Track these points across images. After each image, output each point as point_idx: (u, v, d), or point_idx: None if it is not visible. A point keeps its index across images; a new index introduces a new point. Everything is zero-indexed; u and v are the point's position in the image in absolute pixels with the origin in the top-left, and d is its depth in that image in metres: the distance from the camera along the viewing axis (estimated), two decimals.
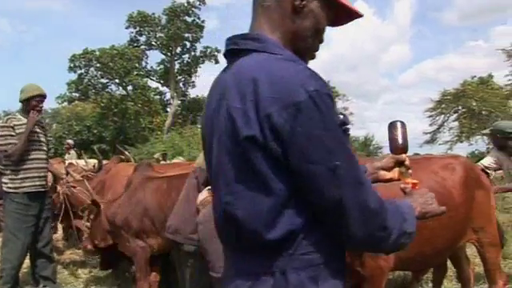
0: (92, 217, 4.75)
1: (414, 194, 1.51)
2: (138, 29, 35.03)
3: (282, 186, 1.20)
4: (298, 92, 1.14)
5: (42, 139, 5.13)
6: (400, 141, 1.65)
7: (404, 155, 1.66)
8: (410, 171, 1.66)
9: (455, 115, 31.68)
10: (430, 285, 5.12)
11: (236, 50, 1.34)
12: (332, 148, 1.17)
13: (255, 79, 1.18)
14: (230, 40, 1.37)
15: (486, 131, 5.45)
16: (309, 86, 1.15)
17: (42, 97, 5.10)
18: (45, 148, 5.20)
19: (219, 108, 1.28)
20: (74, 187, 5.67)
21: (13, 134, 4.86)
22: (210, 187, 2.63)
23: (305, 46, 1.39)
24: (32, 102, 4.97)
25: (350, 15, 1.46)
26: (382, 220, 1.25)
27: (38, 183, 5.07)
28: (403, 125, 1.67)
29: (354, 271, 3.21)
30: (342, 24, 1.49)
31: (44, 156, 5.18)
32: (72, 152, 12.42)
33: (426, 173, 3.47)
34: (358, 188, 1.21)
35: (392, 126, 1.67)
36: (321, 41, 1.43)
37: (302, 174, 1.18)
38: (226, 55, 1.39)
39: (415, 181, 1.57)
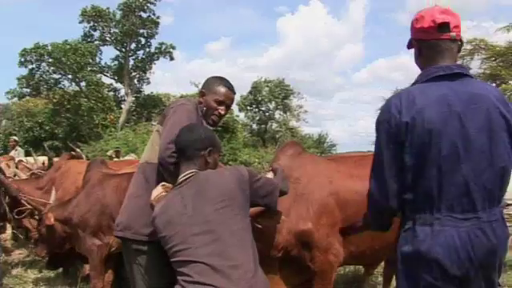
0: (41, 223, 4.62)
1: None
2: (91, 24, 34.13)
3: None
4: None
5: None
6: None
7: None
8: None
9: None
10: (380, 279, 5.26)
11: (460, 73, 2.08)
12: None
13: (502, 92, 2.02)
14: (456, 66, 2.09)
15: None
16: None
17: None
18: None
19: (473, 108, 1.98)
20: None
21: None
22: (163, 183, 2.61)
23: None
24: None
25: None
26: None
27: None
28: None
29: (305, 266, 3.27)
30: None
31: None
32: (19, 149, 11.98)
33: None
34: None
35: None
36: None
37: None
38: (446, 75, 2.07)
39: None
